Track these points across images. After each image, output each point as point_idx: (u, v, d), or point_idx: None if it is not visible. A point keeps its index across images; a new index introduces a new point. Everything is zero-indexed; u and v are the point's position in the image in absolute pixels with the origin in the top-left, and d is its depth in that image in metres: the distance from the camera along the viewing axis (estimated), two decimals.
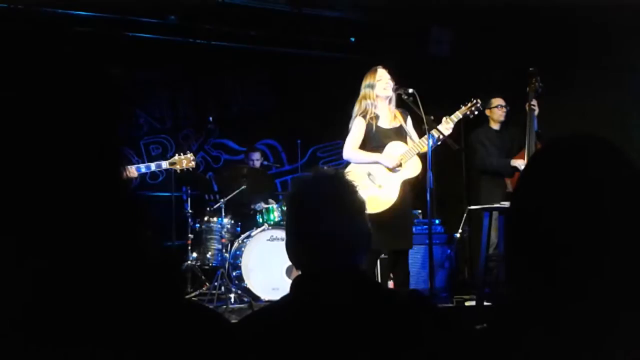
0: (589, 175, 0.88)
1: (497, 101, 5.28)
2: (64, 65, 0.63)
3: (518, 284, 0.92)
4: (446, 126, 3.98)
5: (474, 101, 4.23)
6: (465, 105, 4.21)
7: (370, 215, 1.37)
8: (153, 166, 4.27)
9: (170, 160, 4.35)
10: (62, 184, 0.59)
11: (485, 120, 5.28)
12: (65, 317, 0.58)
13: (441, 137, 3.95)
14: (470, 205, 5.22)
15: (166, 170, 4.55)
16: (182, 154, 4.41)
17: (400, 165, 3.98)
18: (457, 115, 4.11)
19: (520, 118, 5.07)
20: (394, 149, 4.04)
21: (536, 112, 4.98)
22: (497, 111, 5.25)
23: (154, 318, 0.63)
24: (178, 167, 4.36)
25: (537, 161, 0.97)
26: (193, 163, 4.42)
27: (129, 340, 0.60)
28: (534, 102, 4.96)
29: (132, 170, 3.97)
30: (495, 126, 5.31)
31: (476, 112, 4.28)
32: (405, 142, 4.09)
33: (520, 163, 4.94)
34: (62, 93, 0.61)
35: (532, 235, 0.90)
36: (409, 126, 4.17)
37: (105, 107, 0.65)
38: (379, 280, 4.89)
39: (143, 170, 4.18)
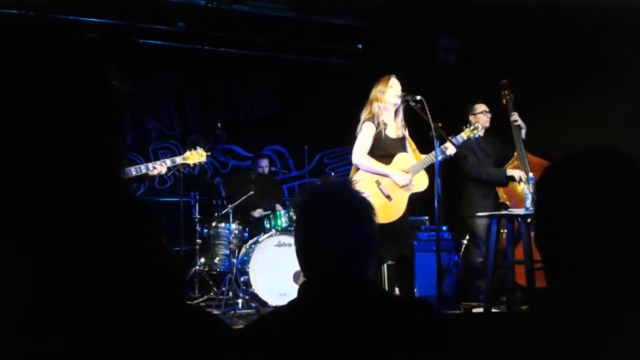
0: (606, 187, 0.91)
1: (482, 107, 5.23)
2: (68, 69, 0.64)
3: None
4: (451, 147, 4.05)
5: (475, 124, 4.45)
6: (468, 127, 4.39)
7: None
8: (169, 162, 4.29)
9: (183, 155, 4.40)
10: (62, 185, 0.61)
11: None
12: (66, 320, 0.59)
13: (451, 155, 4.06)
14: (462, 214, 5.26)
15: (176, 166, 4.47)
16: (192, 149, 4.44)
17: (411, 181, 4.01)
18: (462, 136, 4.25)
19: (499, 127, 5.11)
20: (403, 161, 4.04)
21: (520, 123, 4.99)
22: (483, 117, 5.17)
23: (153, 321, 0.64)
24: (190, 161, 4.40)
25: (558, 173, 0.99)
26: (204, 157, 4.46)
27: (129, 343, 0.61)
28: (514, 114, 4.97)
29: (162, 166, 4.09)
30: (480, 132, 5.30)
31: (476, 132, 4.48)
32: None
33: (518, 174, 4.92)
34: (64, 96, 0.62)
35: (556, 244, 0.93)
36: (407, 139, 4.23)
37: (105, 110, 0.67)
38: (386, 286, 4.90)
39: (168, 164, 4.20)
